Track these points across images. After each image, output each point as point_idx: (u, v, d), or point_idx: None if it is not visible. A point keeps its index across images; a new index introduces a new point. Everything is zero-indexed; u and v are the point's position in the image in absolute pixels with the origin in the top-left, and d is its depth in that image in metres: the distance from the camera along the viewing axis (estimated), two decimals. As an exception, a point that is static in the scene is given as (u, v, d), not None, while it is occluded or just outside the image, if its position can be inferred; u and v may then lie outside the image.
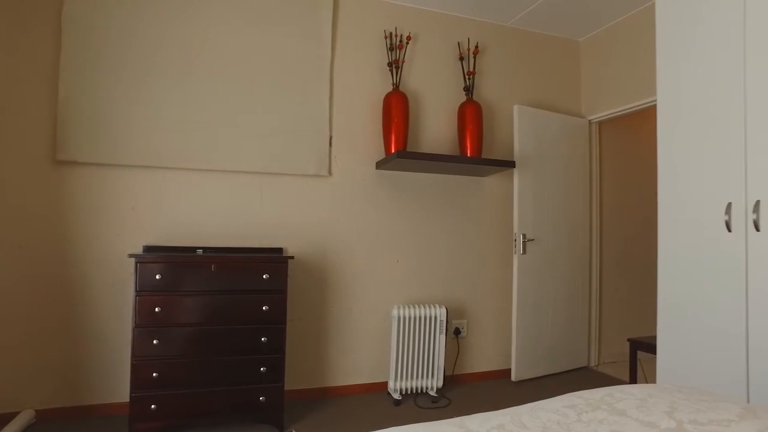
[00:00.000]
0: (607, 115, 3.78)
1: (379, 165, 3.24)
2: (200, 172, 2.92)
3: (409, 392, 3.15)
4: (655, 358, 2.48)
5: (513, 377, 3.46)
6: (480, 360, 3.57)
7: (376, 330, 3.27)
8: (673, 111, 2.39)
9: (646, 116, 4.26)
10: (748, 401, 2.01)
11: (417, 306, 3.14)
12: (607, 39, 3.79)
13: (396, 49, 3.34)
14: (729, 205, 2.10)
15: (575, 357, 3.80)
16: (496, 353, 3.62)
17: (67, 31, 2.67)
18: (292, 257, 2.65)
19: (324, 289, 3.16)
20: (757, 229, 1.99)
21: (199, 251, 2.80)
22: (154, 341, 2.37)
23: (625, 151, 4.21)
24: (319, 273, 3.15)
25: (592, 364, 3.91)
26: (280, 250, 3.01)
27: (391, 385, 3.08)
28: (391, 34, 3.37)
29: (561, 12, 3.55)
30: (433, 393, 3.13)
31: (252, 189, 3.02)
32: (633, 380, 3.00)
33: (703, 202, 2.22)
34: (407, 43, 3.34)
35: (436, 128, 3.48)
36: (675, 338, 2.34)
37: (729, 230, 2.10)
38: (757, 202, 1.99)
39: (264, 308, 2.55)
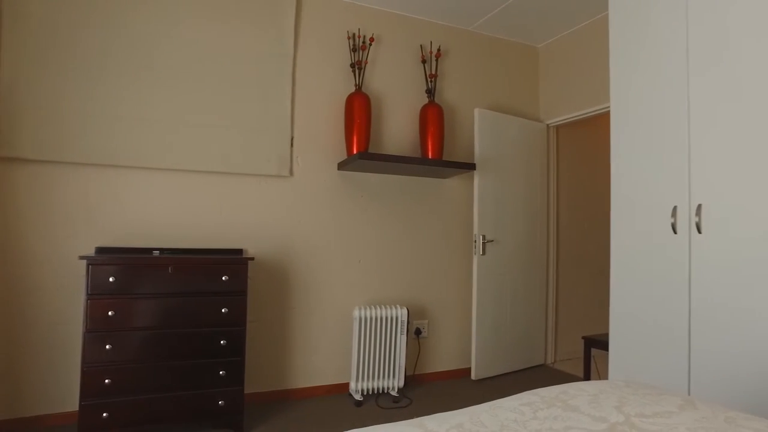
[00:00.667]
0: (564, 119, 3.90)
1: (341, 166, 3.23)
2: (157, 171, 2.84)
3: (370, 393, 3.16)
4: (608, 354, 2.57)
5: (473, 376, 3.52)
6: (441, 359, 3.61)
7: (338, 331, 3.26)
8: (625, 117, 2.49)
9: (602, 121, 4.42)
10: (689, 394, 2.12)
11: (378, 307, 3.15)
12: (565, 46, 3.91)
13: (359, 50, 3.34)
14: (675, 208, 2.21)
15: (533, 355, 3.90)
16: (456, 353, 3.67)
17: (8, 19, 2.54)
18: (253, 258, 2.61)
19: (285, 291, 3.13)
20: (699, 231, 2.10)
21: (156, 252, 2.72)
22: (107, 346, 2.29)
23: (581, 155, 4.35)
24: (280, 274, 3.11)
25: (549, 361, 4.03)
26: (240, 251, 2.96)
27: (352, 386, 3.08)
28: (354, 35, 3.37)
29: (521, 18, 3.64)
30: (394, 393, 3.15)
31: (211, 189, 2.96)
32: (587, 376, 3.11)
33: (651, 206, 2.33)
34: (370, 44, 3.34)
35: (398, 130, 3.51)
36: (626, 336, 2.44)
37: (675, 232, 2.21)
38: (699, 206, 2.10)
39: (223, 310, 2.50)
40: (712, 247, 2.06)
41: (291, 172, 3.16)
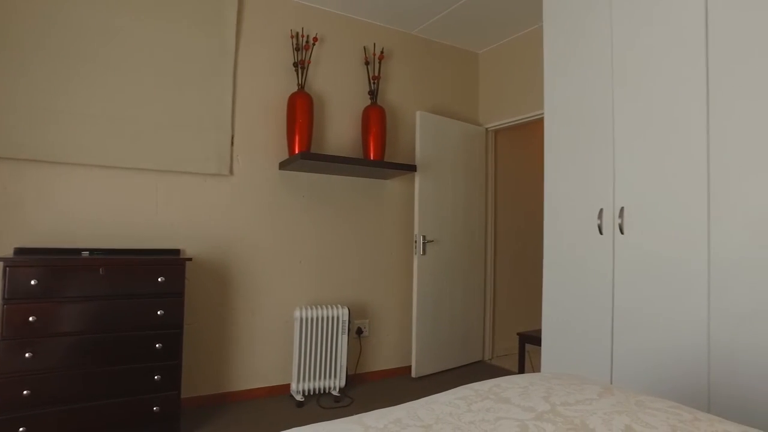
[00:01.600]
0: (503, 124, 4.05)
1: (283, 165, 3.20)
2: (88, 167, 2.69)
3: (312, 393, 3.15)
4: (541, 349, 2.70)
5: (413, 374, 3.59)
6: (382, 358, 3.66)
7: (279, 332, 3.23)
8: (557, 124, 2.63)
9: (538, 126, 4.63)
10: (612, 382, 2.27)
11: (320, 307, 3.15)
12: (504, 53, 4.06)
13: (302, 49, 3.32)
14: (601, 210, 2.36)
15: (471, 352, 4.02)
16: (397, 351, 3.73)
17: None
18: (191, 259, 2.54)
19: (225, 292, 3.06)
20: (622, 232, 2.26)
21: (85, 253, 2.58)
22: (27, 354, 2.15)
23: (519, 158, 4.54)
24: (219, 275, 3.04)
25: (487, 357, 4.17)
26: (177, 251, 2.86)
27: (293, 386, 3.06)
28: (297, 34, 3.35)
29: (462, 25, 3.75)
30: (336, 393, 3.15)
31: (147, 187, 2.84)
32: (521, 370, 3.25)
33: (581, 208, 2.47)
34: (314, 44, 3.34)
35: (340, 131, 3.52)
36: (557, 331, 2.57)
37: (601, 233, 2.36)
38: (622, 208, 2.26)
39: (159, 313, 2.42)
40: (631, 246, 2.21)
41: (231, 171, 3.09)
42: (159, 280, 2.43)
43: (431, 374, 3.72)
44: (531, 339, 3.10)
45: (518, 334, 3.22)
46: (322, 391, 3.15)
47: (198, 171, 2.96)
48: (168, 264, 2.46)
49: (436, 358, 3.74)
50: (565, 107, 2.58)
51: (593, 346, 2.37)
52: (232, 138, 3.10)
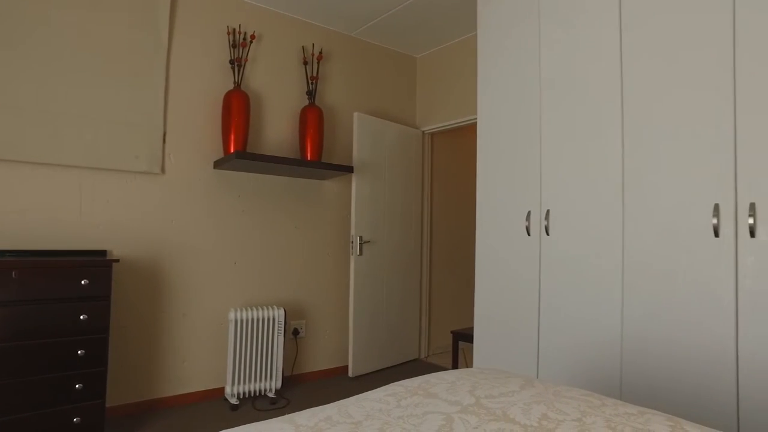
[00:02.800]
0: (439, 127, 4.17)
1: (218, 164, 3.13)
2: (6, 162, 2.51)
3: (247, 396, 3.10)
4: (473, 346, 2.81)
5: (350, 373, 3.62)
6: (319, 359, 3.66)
7: (213, 334, 3.15)
8: (489, 129, 2.75)
9: (474, 130, 4.79)
10: (538, 376, 2.40)
11: (255, 308, 3.11)
12: (441, 58, 4.18)
13: (239, 46, 3.26)
14: (529, 213, 2.49)
15: (407, 350, 4.11)
16: (334, 351, 3.74)
17: None
18: (118, 260, 2.44)
19: (155, 294, 2.95)
20: (548, 234, 2.40)
21: (-3, 255, 2.41)
22: (-69, 364, 1.98)
23: (455, 161, 4.68)
24: (150, 277, 2.93)
25: (423, 355, 4.27)
26: (103, 252, 2.73)
27: (228, 390, 3.00)
28: (234, 30, 3.28)
29: (400, 29, 3.82)
30: (271, 395, 3.12)
31: (71, 185, 2.69)
32: (455, 367, 3.36)
33: (510, 210, 2.60)
34: (251, 41, 3.29)
35: (277, 130, 3.48)
36: (488, 329, 2.69)
37: (528, 234, 2.49)
38: (548, 211, 2.40)
39: (82, 317, 2.30)
40: (556, 247, 2.36)
41: (163, 170, 2.99)
42: (82, 282, 2.31)
43: (368, 373, 3.76)
44: (464, 337, 3.21)
45: (452, 332, 3.33)
46: (257, 394, 3.11)
47: (127, 168, 2.84)
48: (92, 266, 2.35)
49: (373, 358, 3.79)
50: (497, 114, 2.70)
51: (522, 343, 2.50)
52: (164, 135, 2.99)
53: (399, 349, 4.01)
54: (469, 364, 4.02)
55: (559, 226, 2.35)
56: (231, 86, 3.26)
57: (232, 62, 3.21)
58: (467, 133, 4.79)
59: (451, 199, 4.63)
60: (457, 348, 3.33)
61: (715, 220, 1.85)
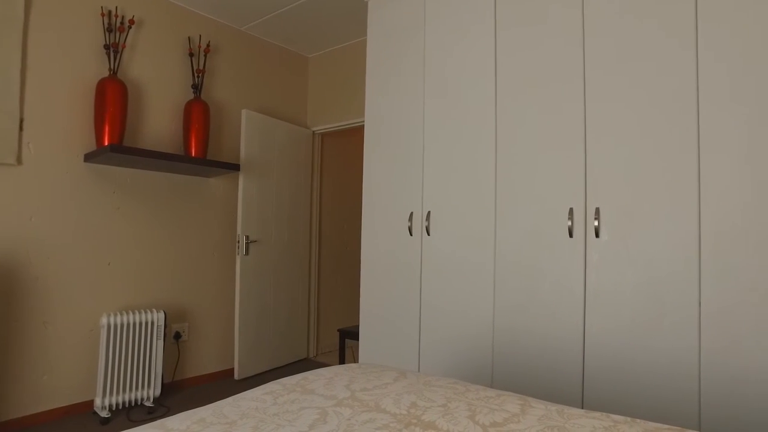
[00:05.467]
0: (330, 128, 4.20)
1: (89, 158, 2.88)
2: None
3: (121, 407, 2.89)
4: (359, 343, 2.88)
5: (236, 376, 3.53)
6: (203, 362, 3.52)
7: (81, 343, 2.89)
8: (375, 132, 2.84)
9: (362, 132, 4.89)
10: (419, 370, 2.54)
11: (132, 312, 2.91)
12: (333, 59, 4.21)
13: (116, 30, 3.03)
14: (411, 214, 2.62)
15: (296, 350, 4.09)
16: (219, 354, 3.62)
17: None
18: (-40, 263, 2.15)
19: (11, 300, 2.64)
20: (428, 234, 2.54)
21: None
22: None
23: (344, 161, 4.74)
24: (4, 281, 2.61)
25: (312, 355, 4.28)
26: (-60, 254, 2.39)
27: (98, 402, 2.77)
28: (110, 12, 3.04)
29: (293, 27, 3.80)
30: (149, 404, 2.94)
31: None
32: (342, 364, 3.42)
33: (394, 211, 2.70)
34: (130, 26, 3.07)
35: (159, 124, 3.29)
36: (373, 326, 2.77)
37: (411, 234, 2.61)
38: (429, 212, 2.54)
39: None
40: (436, 247, 2.51)
41: (19, 160, 2.68)
42: None
43: (256, 375, 3.69)
44: (351, 334, 3.28)
45: (339, 330, 3.38)
46: (134, 404, 2.91)
47: (-26, 159, 2.51)
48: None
49: (261, 359, 3.72)
50: (383, 117, 2.80)
51: (405, 339, 2.62)
52: (21, 122, 2.69)
53: (288, 349, 3.98)
54: (356, 361, 4.11)
55: (439, 226, 2.51)
56: (106, 73, 3.01)
57: (107, 47, 2.97)
58: (358, 135, 4.89)
59: (341, 199, 4.69)
60: (344, 346, 3.39)
61: (569, 223, 2.09)
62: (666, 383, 1.84)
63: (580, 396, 2.03)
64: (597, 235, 2.03)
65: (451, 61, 2.52)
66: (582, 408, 1.98)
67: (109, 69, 2.97)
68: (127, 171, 3.12)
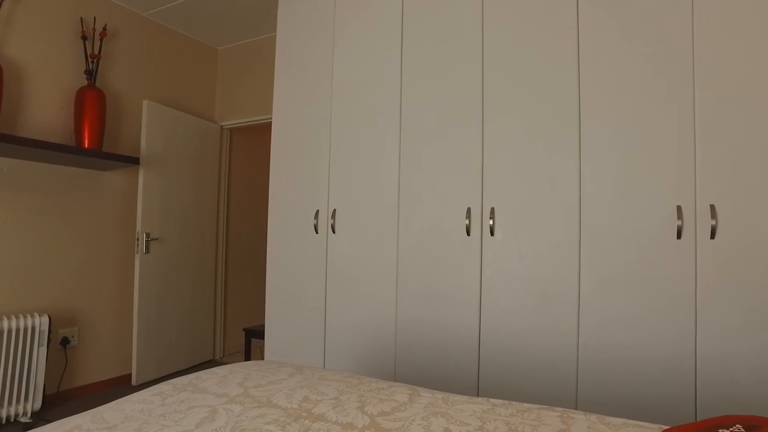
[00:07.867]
0: (239, 123, 4.09)
1: (-42, 145, 2.58)
2: None
3: (-7, 422, 2.62)
4: (264, 342, 2.84)
5: (134, 381, 3.33)
6: (96, 369, 3.28)
7: (-55, 352, 2.59)
8: (283, 130, 2.81)
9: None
10: (325, 365, 2.55)
11: (7, 318, 2.65)
12: (245, 53, 4.10)
13: (-10, 5, 2.74)
14: (317, 212, 2.62)
15: (202, 351, 3.94)
16: (115, 359, 3.39)
17: None
18: None
19: None
20: (334, 232, 2.56)
21: None
22: None
23: (254, 158, 4.63)
24: None
25: (218, 356, 4.14)
26: None
27: (-35, 417, 2.50)
28: (-16, -15, 2.74)
29: (200, 16, 3.64)
30: (26, 419, 2.69)
31: None
32: (248, 365, 3.34)
33: (300, 209, 2.69)
34: None
35: (45, 111, 3.01)
36: (279, 324, 2.74)
37: (316, 232, 2.62)
38: (334, 211, 2.56)
39: None
40: (341, 244, 2.53)
41: None
42: None
43: (156, 379, 3.50)
44: (257, 334, 3.22)
45: (244, 329, 3.31)
46: (6, 421, 2.64)
47: None
48: None
49: (162, 362, 3.54)
50: (291, 114, 2.78)
51: (311, 336, 2.62)
52: None
53: (192, 351, 3.82)
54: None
55: (345, 225, 2.53)
56: (-22, 52, 2.72)
57: (-20, 24, 2.67)
58: (268, 132, 4.79)
59: (250, 196, 4.58)
60: (250, 345, 3.32)
61: (467, 221, 2.21)
62: (550, 364, 2.02)
63: (475, 379, 2.16)
64: (492, 233, 2.16)
65: (358, 63, 2.56)
66: (477, 390, 2.11)
67: (-16, 48, 2.68)
68: (5, 161, 2.83)
